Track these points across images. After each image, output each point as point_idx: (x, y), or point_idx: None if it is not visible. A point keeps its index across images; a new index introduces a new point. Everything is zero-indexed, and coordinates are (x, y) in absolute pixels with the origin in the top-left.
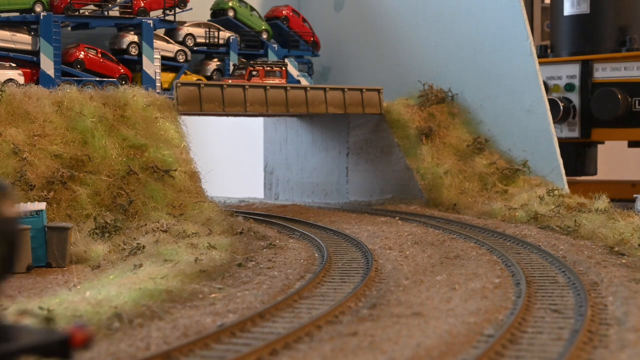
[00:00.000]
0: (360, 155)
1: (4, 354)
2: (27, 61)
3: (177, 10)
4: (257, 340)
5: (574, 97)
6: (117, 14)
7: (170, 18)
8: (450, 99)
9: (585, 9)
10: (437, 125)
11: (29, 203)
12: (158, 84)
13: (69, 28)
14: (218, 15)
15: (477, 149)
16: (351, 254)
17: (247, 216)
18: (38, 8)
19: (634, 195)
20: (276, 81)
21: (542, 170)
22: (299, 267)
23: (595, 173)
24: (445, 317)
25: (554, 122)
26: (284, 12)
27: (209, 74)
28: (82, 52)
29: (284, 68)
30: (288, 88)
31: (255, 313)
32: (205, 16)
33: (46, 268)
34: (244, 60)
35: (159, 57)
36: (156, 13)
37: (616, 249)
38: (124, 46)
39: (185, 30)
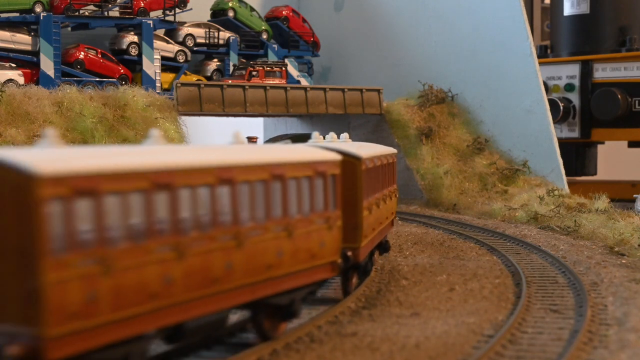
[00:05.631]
0: None
1: None
2: (27, 61)
3: (177, 10)
4: None
5: (574, 97)
6: (117, 14)
7: (170, 18)
8: (450, 99)
9: (585, 9)
10: (437, 125)
11: None
12: (158, 84)
13: (69, 28)
14: (218, 15)
15: (477, 149)
16: None
17: None
18: (38, 8)
19: (634, 195)
20: (276, 81)
21: (542, 170)
22: None
23: (595, 173)
24: (444, 318)
25: (554, 122)
26: (284, 12)
27: (209, 74)
28: (82, 53)
29: (284, 68)
30: (288, 88)
31: None
32: (205, 16)
33: None
34: (244, 61)
35: (159, 57)
36: (156, 13)
37: (616, 249)
38: (124, 46)
39: (185, 30)
